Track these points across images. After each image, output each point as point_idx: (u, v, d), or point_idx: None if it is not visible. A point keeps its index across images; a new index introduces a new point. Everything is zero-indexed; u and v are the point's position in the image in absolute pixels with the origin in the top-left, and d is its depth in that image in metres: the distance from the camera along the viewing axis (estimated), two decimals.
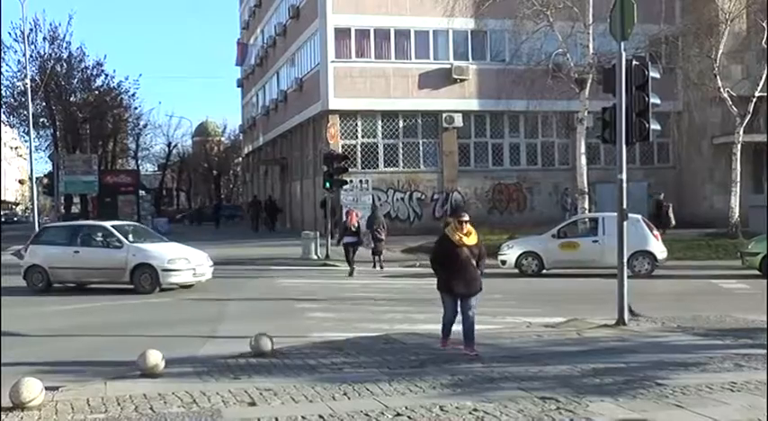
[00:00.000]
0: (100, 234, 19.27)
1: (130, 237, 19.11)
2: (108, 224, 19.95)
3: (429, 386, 8.20)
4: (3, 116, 47.03)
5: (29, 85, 38.85)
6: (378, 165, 35.01)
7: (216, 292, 17.76)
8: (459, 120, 34.88)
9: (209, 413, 7.29)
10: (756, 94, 26.59)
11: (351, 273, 21.69)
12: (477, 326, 12.54)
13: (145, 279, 18.04)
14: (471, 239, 9.90)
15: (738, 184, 26.94)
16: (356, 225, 22.89)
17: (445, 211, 35.22)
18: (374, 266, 23.41)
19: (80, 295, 17.61)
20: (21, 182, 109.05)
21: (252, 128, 56.59)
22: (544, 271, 21.10)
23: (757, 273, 19.19)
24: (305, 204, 39.23)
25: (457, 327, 10.28)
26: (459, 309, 10.00)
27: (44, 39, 45.32)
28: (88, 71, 47.69)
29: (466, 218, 9.96)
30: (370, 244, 23.83)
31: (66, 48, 46.10)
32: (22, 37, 40.31)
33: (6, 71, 44.56)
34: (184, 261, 18.45)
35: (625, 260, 12.44)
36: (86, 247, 18.88)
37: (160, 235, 22.12)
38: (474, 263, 9.90)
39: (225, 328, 13.00)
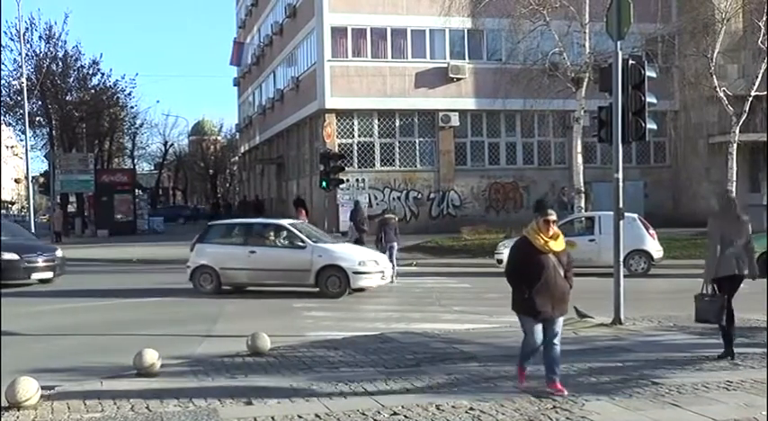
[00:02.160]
0: (280, 233, 17.69)
1: (311, 237, 17.64)
2: (286, 222, 18.47)
3: (425, 385, 8.20)
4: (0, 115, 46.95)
5: (25, 84, 38.88)
6: (374, 164, 35.01)
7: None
8: (455, 120, 34.90)
9: (205, 412, 7.29)
10: (752, 93, 26.59)
11: None
12: (473, 326, 12.62)
13: (333, 282, 16.56)
14: (559, 244, 7.72)
15: (734, 183, 26.94)
16: (305, 220, 23.88)
17: (441, 211, 35.30)
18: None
19: (78, 295, 17.57)
20: (17, 181, 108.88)
21: (248, 127, 56.57)
22: None
23: None
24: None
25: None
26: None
27: (40, 37, 45.25)
28: (84, 70, 47.60)
29: (553, 216, 7.70)
30: (354, 235, 23.99)
31: (61, 46, 46.03)
32: (17, 36, 40.27)
33: (2, 70, 44.46)
34: (374, 263, 17.07)
35: (621, 259, 12.45)
36: (264, 247, 17.31)
37: (327, 235, 20.60)
38: (562, 273, 7.70)
39: (221, 327, 12.99)
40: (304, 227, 18.82)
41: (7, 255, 18.96)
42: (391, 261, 19.17)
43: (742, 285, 9.63)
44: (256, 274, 17.20)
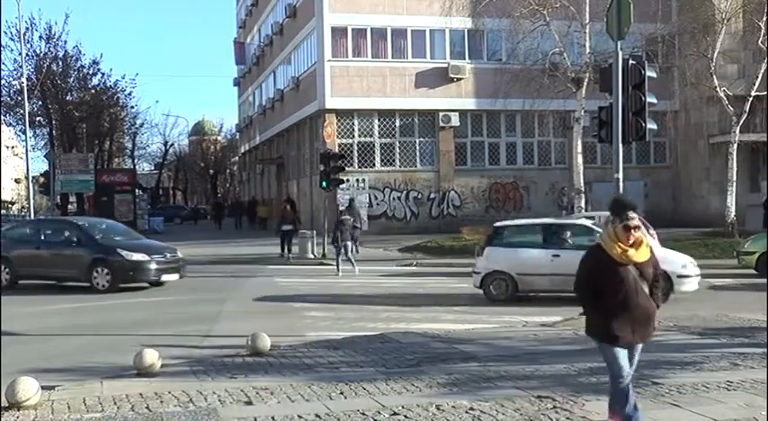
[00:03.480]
0: (578, 232, 16.03)
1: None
2: (588, 222, 16.65)
3: (425, 385, 8.19)
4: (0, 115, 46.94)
5: (25, 84, 38.80)
6: (374, 165, 35.02)
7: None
8: (455, 120, 34.90)
9: (205, 412, 7.28)
10: (752, 93, 26.61)
11: (287, 258, 24.38)
12: (473, 326, 12.62)
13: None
14: (642, 253, 6.16)
15: (735, 184, 26.95)
16: (291, 216, 26.05)
17: (442, 211, 35.26)
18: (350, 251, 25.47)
19: (77, 295, 17.57)
20: (17, 181, 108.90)
21: (248, 127, 56.58)
22: None
23: (754, 272, 19.20)
24: (302, 203, 39.19)
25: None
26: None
27: (40, 37, 45.23)
28: (84, 70, 47.58)
29: (635, 221, 6.12)
30: (348, 232, 25.90)
31: (62, 46, 46.02)
32: (17, 36, 40.24)
33: (2, 70, 44.45)
34: (692, 266, 15.96)
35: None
36: (566, 250, 15.50)
37: None
38: (646, 290, 6.18)
39: (221, 327, 12.99)
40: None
41: (137, 256, 18.34)
42: (347, 257, 21.86)
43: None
44: (559, 280, 15.00)
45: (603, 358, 6.35)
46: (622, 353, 6.21)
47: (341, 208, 28.83)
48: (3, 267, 19.13)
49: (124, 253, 18.34)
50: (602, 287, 6.12)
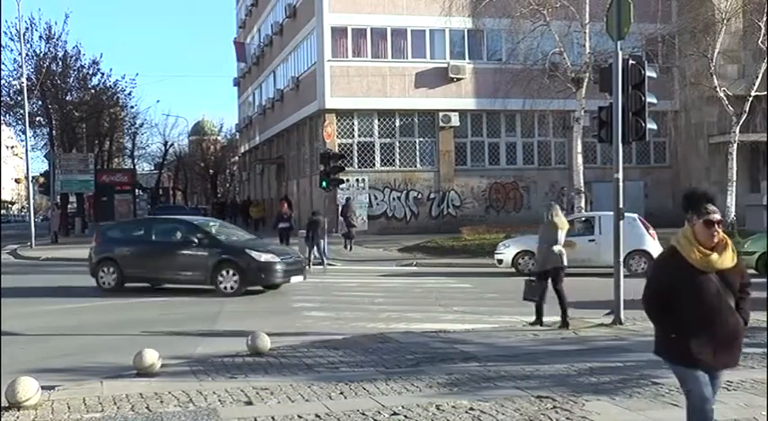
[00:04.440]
0: None
1: None
2: None
3: (425, 385, 8.19)
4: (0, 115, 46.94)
5: (25, 84, 38.81)
6: (374, 164, 35.03)
7: None
8: (455, 120, 34.91)
9: (205, 412, 7.28)
10: (752, 93, 26.63)
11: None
12: (473, 326, 12.62)
13: None
14: (727, 258, 5.09)
15: (735, 183, 26.98)
16: (288, 213, 26.09)
17: (441, 211, 35.27)
18: (345, 247, 27.48)
19: (77, 295, 17.56)
20: (17, 181, 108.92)
21: (248, 127, 56.60)
22: None
23: (754, 272, 19.22)
24: (302, 203, 39.21)
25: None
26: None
27: (40, 37, 45.18)
28: (84, 70, 47.54)
29: (717, 215, 5.11)
30: (343, 229, 28.22)
31: (61, 47, 45.99)
32: (17, 36, 40.23)
33: (2, 70, 44.45)
34: None
35: (621, 259, 12.45)
36: None
37: None
38: (732, 303, 5.07)
39: (221, 327, 12.98)
40: None
41: (266, 257, 17.22)
42: (319, 254, 23.04)
43: None
44: None
45: (680, 383, 5.23)
46: (704, 378, 5.05)
47: (340, 206, 29.51)
48: (109, 269, 18.05)
49: (254, 254, 17.19)
50: (677, 299, 5.01)
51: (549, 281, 12.16)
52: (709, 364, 5.02)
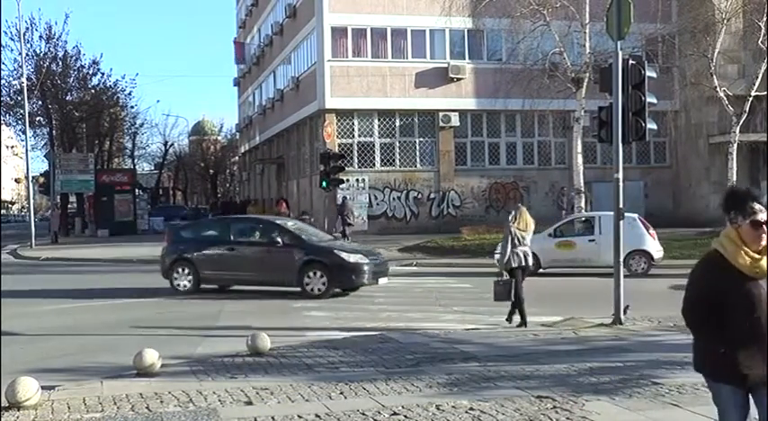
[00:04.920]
0: None
1: None
2: None
3: (425, 385, 8.19)
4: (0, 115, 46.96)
5: (25, 84, 38.83)
6: (374, 164, 35.02)
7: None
8: (455, 120, 34.90)
9: (205, 412, 7.28)
10: (752, 93, 26.61)
11: None
12: (473, 326, 12.62)
13: None
14: None
15: (734, 183, 26.94)
16: (287, 213, 26.15)
17: (441, 211, 35.26)
18: None
19: (76, 295, 17.57)
20: (17, 181, 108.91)
21: (248, 127, 56.59)
22: (541, 270, 21.07)
23: None
24: (302, 203, 39.21)
25: None
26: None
27: (40, 37, 45.24)
28: (84, 70, 47.59)
29: (764, 214, 4.50)
30: (340, 228, 28.36)
31: (62, 47, 46.03)
32: (17, 36, 40.25)
33: (2, 70, 44.47)
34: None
35: (621, 259, 12.45)
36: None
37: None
38: None
39: (221, 327, 12.99)
40: None
41: (354, 258, 16.66)
42: None
43: None
44: None
45: (715, 403, 4.72)
46: (742, 399, 4.58)
47: (338, 203, 29.82)
48: (183, 270, 17.46)
49: (343, 254, 16.66)
50: (723, 309, 4.46)
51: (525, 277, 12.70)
52: (759, 377, 4.42)
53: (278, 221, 18.94)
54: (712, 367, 4.59)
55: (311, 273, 16.45)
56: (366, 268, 16.55)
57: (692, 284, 4.69)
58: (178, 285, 17.41)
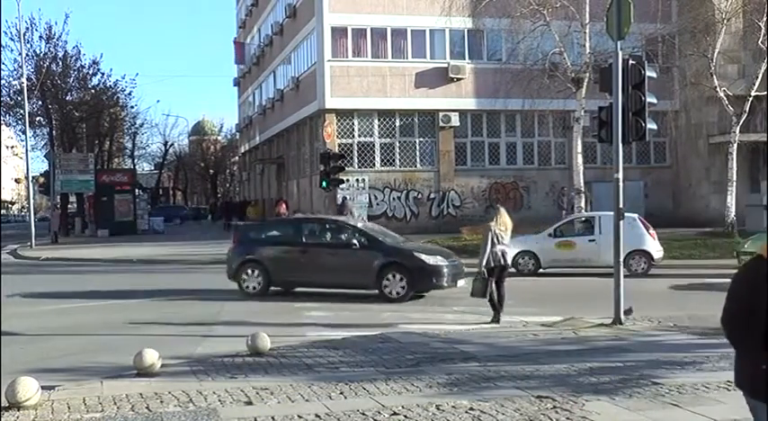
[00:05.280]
0: None
1: None
2: None
3: (425, 385, 8.19)
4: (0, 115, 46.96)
5: (25, 84, 38.83)
6: (374, 164, 35.02)
7: None
8: (455, 120, 34.90)
9: (205, 412, 7.28)
10: (752, 93, 26.61)
11: None
12: (473, 326, 12.63)
13: None
14: None
15: (735, 183, 26.97)
16: (286, 214, 25.87)
17: (441, 211, 35.25)
18: None
19: (78, 295, 17.57)
20: (17, 181, 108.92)
21: (248, 127, 56.60)
22: (541, 270, 21.10)
23: None
24: (302, 203, 39.21)
25: None
26: None
27: (40, 37, 45.23)
28: (84, 70, 47.59)
29: None
30: None
31: (62, 47, 46.03)
32: (17, 36, 40.25)
33: (2, 70, 44.48)
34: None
35: (621, 259, 12.45)
36: None
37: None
38: None
39: (221, 327, 12.99)
40: None
41: (433, 259, 16.07)
42: None
43: None
44: None
45: (753, 416, 4.23)
46: None
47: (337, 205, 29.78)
48: (253, 272, 16.88)
49: (423, 256, 16.03)
50: (766, 320, 3.92)
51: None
52: None
53: (350, 222, 18.42)
54: (753, 384, 4.11)
55: (390, 276, 15.93)
56: (445, 270, 16.02)
57: (732, 293, 4.16)
58: (247, 287, 16.87)
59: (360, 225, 18.15)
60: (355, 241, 16.54)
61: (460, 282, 16.12)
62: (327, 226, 17.92)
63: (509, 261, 13.25)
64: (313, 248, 16.89)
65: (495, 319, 12.80)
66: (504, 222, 13.03)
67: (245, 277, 16.96)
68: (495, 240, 12.85)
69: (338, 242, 16.98)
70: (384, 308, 15.05)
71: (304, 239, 17.17)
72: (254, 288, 16.85)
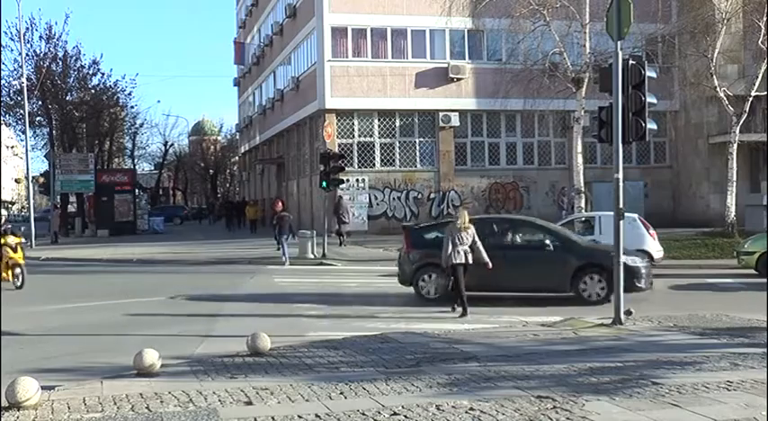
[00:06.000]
0: None
1: None
2: None
3: (425, 385, 8.19)
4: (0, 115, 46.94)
5: (25, 84, 38.83)
6: (374, 164, 35.02)
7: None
8: (455, 120, 34.91)
9: (205, 412, 7.28)
10: (752, 93, 26.63)
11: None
12: (473, 326, 12.63)
13: None
14: None
15: (734, 183, 26.98)
16: (284, 213, 26.44)
17: (442, 211, 35.25)
18: (339, 245, 28.48)
19: (76, 295, 17.56)
20: (17, 181, 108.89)
21: (248, 127, 56.60)
22: None
23: (753, 272, 19.23)
24: (302, 203, 39.23)
25: None
26: None
27: (40, 37, 45.21)
28: (84, 70, 47.55)
29: None
30: (335, 226, 29.16)
31: (62, 47, 46.00)
32: (17, 36, 40.24)
33: (2, 70, 44.47)
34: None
35: (621, 259, 12.44)
36: None
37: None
38: None
39: (221, 327, 12.99)
40: None
41: (633, 261, 15.04)
42: (282, 248, 24.35)
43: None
44: None
45: None
46: None
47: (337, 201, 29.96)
48: (431, 276, 15.72)
49: (623, 258, 13.99)
50: None
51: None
52: None
53: (539, 222, 17.35)
54: None
55: (588, 278, 15.15)
56: (644, 271, 15.26)
57: None
58: (427, 292, 15.88)
59: (544, 224, 17.18)
60: (548, 242, 15.69)
61: (653, 284, 15.74)
62: (513, 226, 16.91)
63: (470, 259, 13.91)
64: (498, 250, 15.06)
65: (464, 312, 13.71)
66: (464, 223, 13.91)
67: (423, 282, 15.95)
68: (458, 240, 13.69)
69: (528, 243, 16.17)
70: (382, 308, 15.05)
71: (487, 240, 14.99)
72: (435, 293, 15.75)
